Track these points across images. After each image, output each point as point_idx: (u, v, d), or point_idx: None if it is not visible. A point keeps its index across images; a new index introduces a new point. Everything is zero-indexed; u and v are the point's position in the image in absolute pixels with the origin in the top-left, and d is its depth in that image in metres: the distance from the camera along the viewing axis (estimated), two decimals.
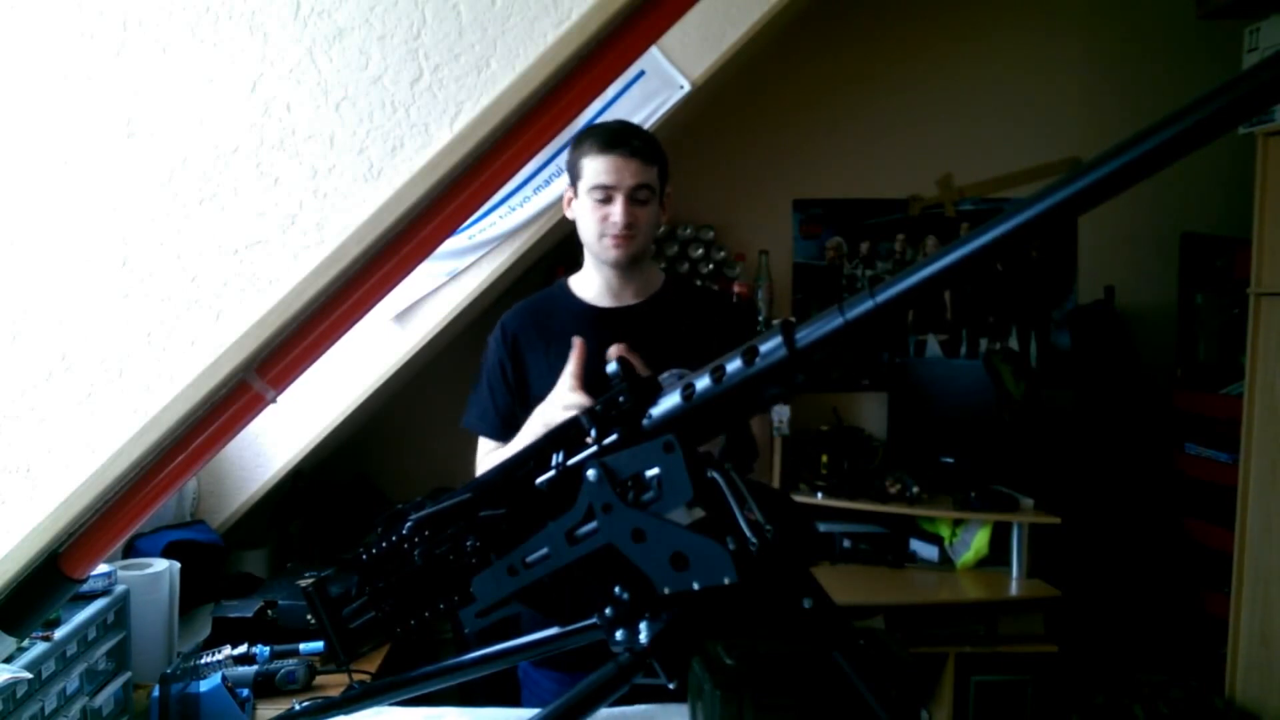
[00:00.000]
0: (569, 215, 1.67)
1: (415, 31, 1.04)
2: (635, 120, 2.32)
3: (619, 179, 1.55)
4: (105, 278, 1.04)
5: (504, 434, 1.65)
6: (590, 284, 1.68)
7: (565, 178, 1.67)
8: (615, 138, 1.58)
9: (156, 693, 1.68)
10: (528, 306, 1.72)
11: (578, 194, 1.61)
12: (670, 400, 0.72)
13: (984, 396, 3.03)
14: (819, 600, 0.69)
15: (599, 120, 2.23)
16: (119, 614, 1.71)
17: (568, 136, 1.63)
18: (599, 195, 1.57)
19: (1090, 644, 3.00)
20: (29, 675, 1.37)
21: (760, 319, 3.18)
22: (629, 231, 1.56)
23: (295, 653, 2.02)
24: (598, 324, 1.63)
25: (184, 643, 2.04)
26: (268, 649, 2.00)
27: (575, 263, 1.76)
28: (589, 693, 0.77)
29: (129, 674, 1.72)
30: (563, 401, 1.39)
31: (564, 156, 2.31)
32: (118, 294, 1.04)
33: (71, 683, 1.51)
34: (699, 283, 3.21)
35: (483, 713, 1.44)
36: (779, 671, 0.83)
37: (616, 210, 1.56)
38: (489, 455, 1.70)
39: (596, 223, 1.58)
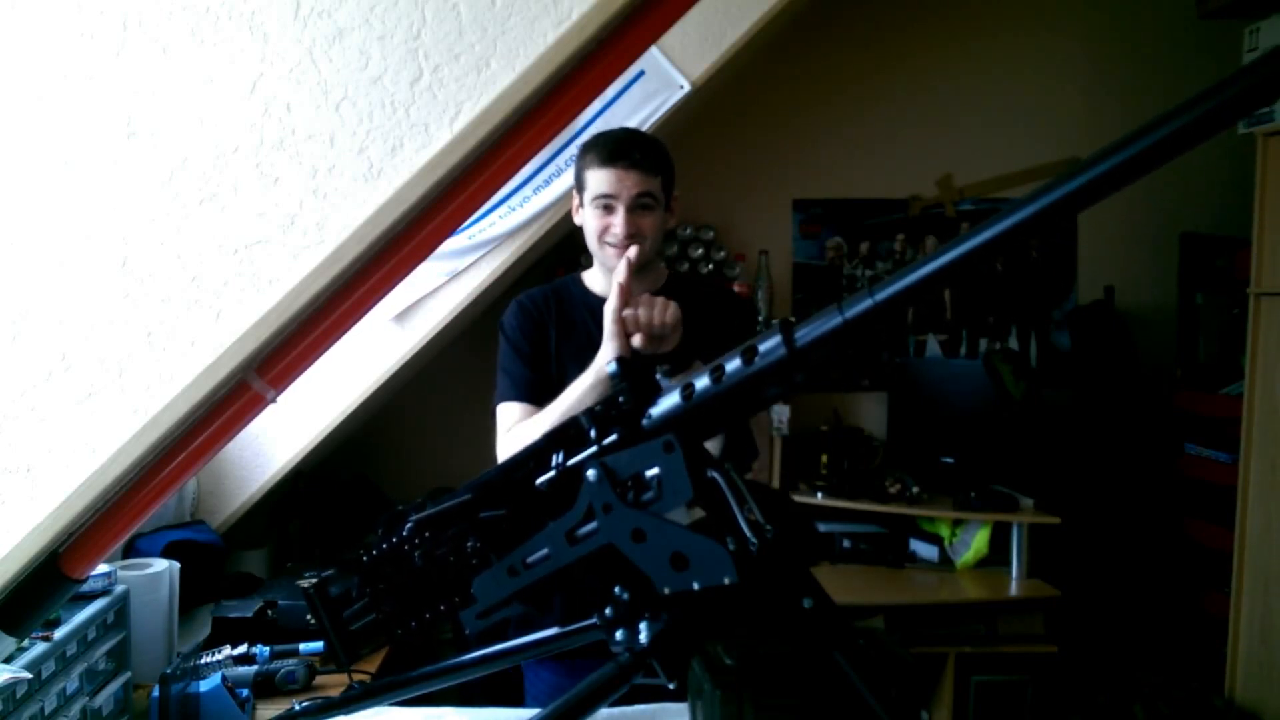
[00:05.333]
0: (577, 221, 1.70)
1: (415, 31, 1.04)
2: (635, 120, 2.32)
3: (619, 189, 1.58)
4: (105, 278, 1.04)
5: (537, 397, 1.61)
6: (600, 279, 1.70)
7: (565, 178, 1.68)
8: (617, 149, 1.59)
9: (156, 693, 1.68)
10: (543, 292, 1.73)
11: (583, 203, 1.64)
12: (670, 400, 0.72)
13: (984, 396, 3.03)
14: (819, 600, 0.69)
15: (599, 121, 2.24)
16: (119, 614, 1.70)
17: (568, 136, 1.63)
18: (601, 204, 1.60)
19: (1090, 644, 2.99)
20: (29, 675, 1.36)
21: (760, 319, 3.17)
22: (630, 241, 1.58)
23: (295, 653, 2.01)
24: None
25: (184, 643, 2.04)
26: (268, 649, 2.00)
27: (576, 264, 1.76)
28: (589, 693, 0.77)
29: (129, 674, 1.72)
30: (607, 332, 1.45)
31: (564, 156, 2.32)
32: (118, 294, 1.04)
33: (71, 683, 1.51)
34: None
35: (483, 713, 1.43)
36: (779, 671, 0.83)
37: (618, 221, 1.58)
38: (519, 426, 1.61)
39: (599, 231, 1.61)
